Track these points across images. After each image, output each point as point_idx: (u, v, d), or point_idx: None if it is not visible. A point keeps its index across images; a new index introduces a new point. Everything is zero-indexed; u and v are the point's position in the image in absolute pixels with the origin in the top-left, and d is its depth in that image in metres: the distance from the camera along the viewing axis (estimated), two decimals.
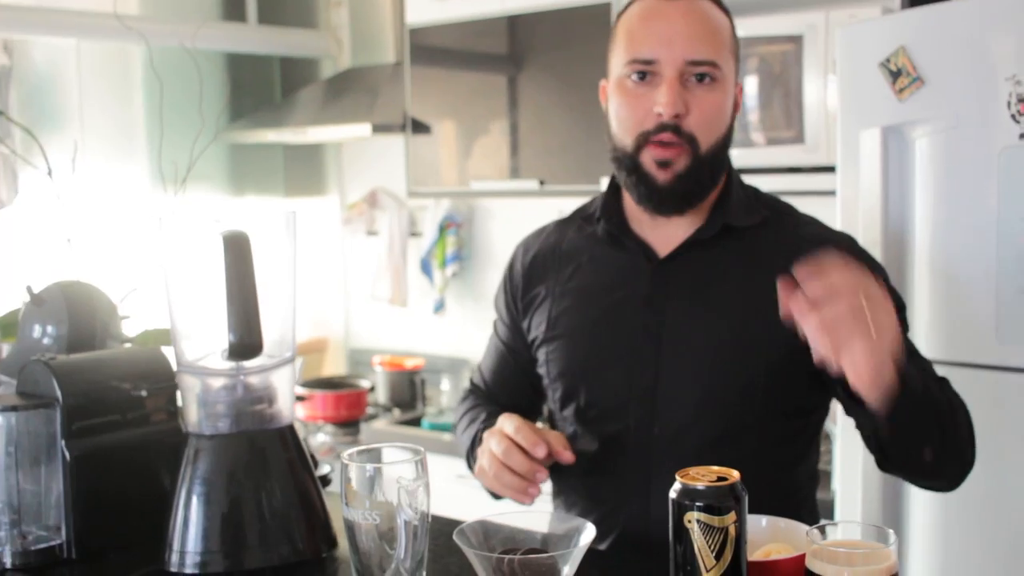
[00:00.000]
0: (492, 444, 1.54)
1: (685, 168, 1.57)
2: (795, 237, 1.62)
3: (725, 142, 1.62)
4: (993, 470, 2.00)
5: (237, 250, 1.33)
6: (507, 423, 1.54)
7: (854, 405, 1.38)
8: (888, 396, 1.30)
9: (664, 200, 1.60)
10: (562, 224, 1.80)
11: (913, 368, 1.38)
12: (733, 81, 1.61)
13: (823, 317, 1.22)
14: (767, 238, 1.63)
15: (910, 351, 1.55)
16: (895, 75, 2.07)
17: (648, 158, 1.58)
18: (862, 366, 1.24)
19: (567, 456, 1.52)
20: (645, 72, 1.57)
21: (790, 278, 1.24)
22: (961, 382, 1.48)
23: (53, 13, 3.52)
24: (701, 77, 1.56)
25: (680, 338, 1.60)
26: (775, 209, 1.67)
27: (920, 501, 2.15)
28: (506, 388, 1.81)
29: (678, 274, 1.63)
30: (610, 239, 1.69)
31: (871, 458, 2.14)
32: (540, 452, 1.50)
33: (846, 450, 2.27)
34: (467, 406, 1.85)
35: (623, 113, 1.60)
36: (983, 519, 2.08)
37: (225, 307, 1.33)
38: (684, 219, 1.63)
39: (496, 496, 1.67)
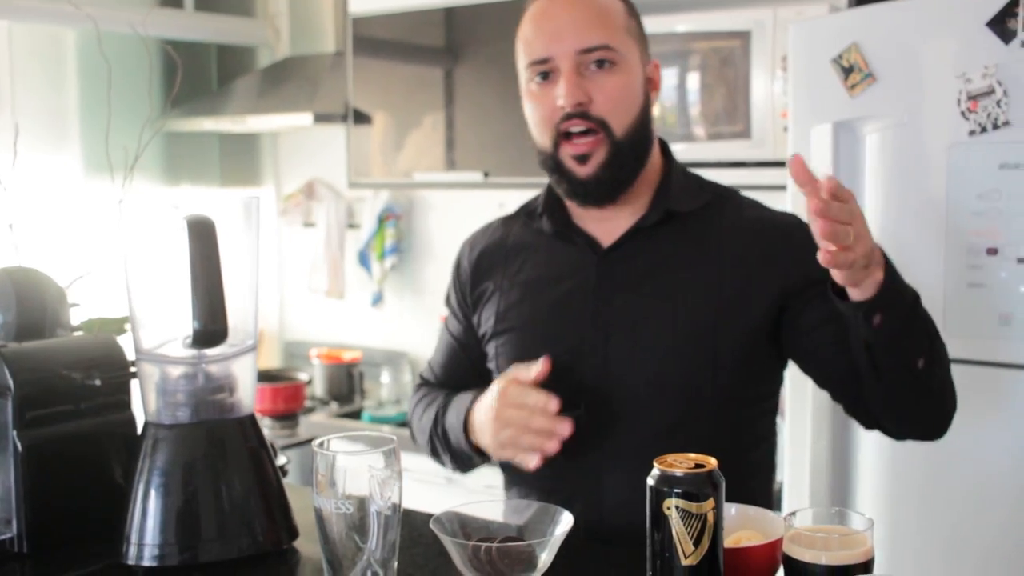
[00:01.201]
0: (510, 414, 1.53)
1: (605, 158, 1.59)
2: (739, 220, 1.65)
3: (642, 122, 1.63)
4: (939, 455, 2.05)
5: (202, 235, 1.30)
6: (514, 390, 1.54)
7: (850, 310, 1.42)
8: (882, 289, 1.37)
9: (589, 193, 1.62)
10: (507, 220, 1.82)
11: (902, 279, 1.44)
12: (638, 61, 1.63)
13: (832, 212, 1.28)
14: (711, 222, 1.65)
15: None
16: (847, 71, 2.10)
17: (566, 155, 1.61)
18: (859, 251, 1.30)
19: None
20: (546, 71, 1.60)
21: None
22: None
23: None
24: (600, 63, 1.58)
25: (627, 326, 1.61)
26: (718, 193, 1.70)
27: (868, 484, 2.19)
28: (458, 382, 1.81)
29: (623, 263, 1.64)
30: (556, 233, 1.70)
31: (819, 451, 2.18)
32: (553, 406, 1.50)
33: (794, 442, 2.30)
34: (420, 395, 1.86)
35: (534, 115, 1.64)
36: (928, 502, 2.12)
37: (189, 293, 1.31)
38: (626, 209, 1.65)
39: (462, 466, 1.73)
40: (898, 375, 1.47)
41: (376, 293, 4.04)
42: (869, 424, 1.60)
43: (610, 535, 1.57)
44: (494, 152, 3.35)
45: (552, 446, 1.51)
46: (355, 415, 3.73)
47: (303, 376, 3.81)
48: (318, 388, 3.91)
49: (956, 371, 2.02)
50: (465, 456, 1.70)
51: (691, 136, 2.79)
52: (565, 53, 1.57)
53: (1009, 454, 2.03)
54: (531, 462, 1.53)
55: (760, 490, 1.68)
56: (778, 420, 1.74)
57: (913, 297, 1.45)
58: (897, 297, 1.40)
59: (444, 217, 3.88)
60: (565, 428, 1.50)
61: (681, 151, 2.77)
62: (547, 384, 1.62)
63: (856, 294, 1.38)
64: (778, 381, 1.71)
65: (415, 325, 3.93)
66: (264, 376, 3.81)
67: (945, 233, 2.05)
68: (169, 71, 3.71)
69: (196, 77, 4.29)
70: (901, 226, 2.10)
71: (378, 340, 4.11)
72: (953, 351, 2.03)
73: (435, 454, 1.78)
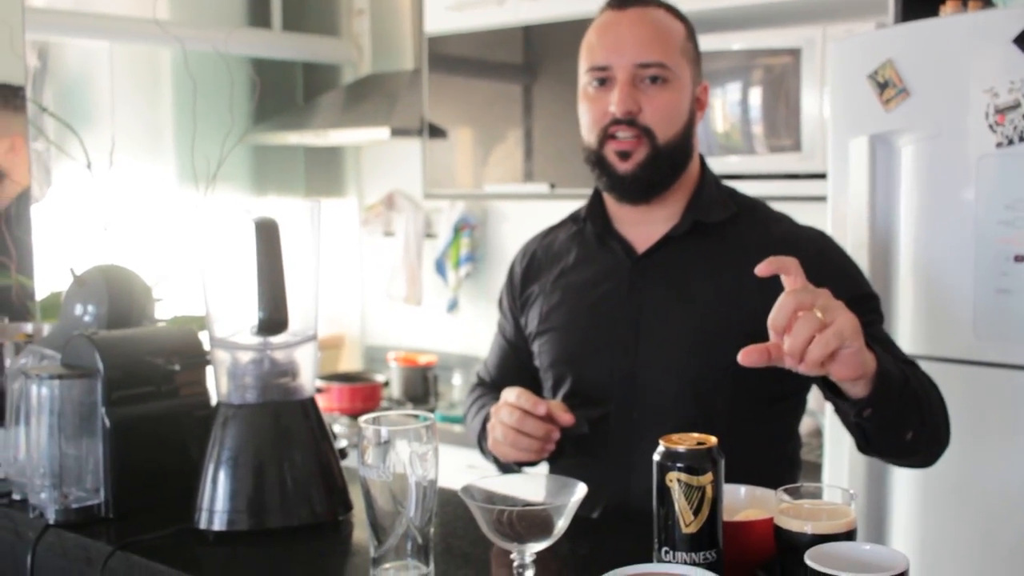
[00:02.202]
0: (503, 416, 1.65)
1: (644, 157, 1.71)
2: (764, 232, 1.75)
3: (685, 136, 1.74)
4: (970, 458, 2.12)
5: (267, 234, 1.45)
6: (509, 393, 1.67)
7: (837, 399, 1.45)
8: (870, 387, 1.38)
9: (627, 187, 1.74)
10: (555, 227, 1.95)
11: (889, 359, 1.46)
12: (689, 81, 1.74)
13: (792, 346, 1.26)
14: (737, 233, 1.75)
15: (884, 339, 1.66)
16: (882, 87, 2.19)
17: (610, 151, 1.73)
18: (845, 370, 1.30)
19: (566, 418, 1.64)
20: (603, 78, 1.72)
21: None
22: (940, 376, 1.57)
23: (92, 17, 3.67)
24: (654, 79, 1.70)
25: (657, 328, 1.72)
26: (746, 206, 1.79)
27: (903, 491, 2.26)
28: (509, 381, 1.91)
29: (655, 269, 1.76)
30: (596, 238, 1.82)
31: (858, 454, 2.24)
32: (541, 410, 1.62)
33: (834, 445, 2.38)
34: (475, 396, 1.99)
35: (586, 116, 1.76)
36: (960, 506, 2.18)
37: (256, 287, 1.46)
38: (661, 215, 1.76)
39: (506, 471, 1.79)
40: (887, 445, 1.56)
41: (451, 300, 4.19)
42: (860, 449, 1.64)
43: (636, 514, 1.68)
44: (564, 164, 3.48)
45: (547, 448, 1.64)
46: None
47: (380, 378, 3.98)
48: (395, 390, 4.06)
49: (986, 374, 2.10)
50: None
51: (752, 150, 2.89)
52: (623, 64, 1.70)
53: None
54: (542, 455, 1.66)
55: (780, 482, 1.77)
56: (822, 421, 1.79)
57: (901, 381, 1.45)
58: (887, 388, 1.39)
59: (517, 227, 4.01)
60: (556, 432, 1.62)
61: (738, 164, 2.88)
62: (583, 380, 1.75)
63: (849, 388, 1.38)
64: (799, 385, 1.75)
65: (487, 331, 4.01)
66: (343, 377, 4.00)
67: (975, 241, 2.12)
68: (260, 87, 3.92)
69: (283, 93, 4.49)
70: (933, 234, 2.18)
71: (452, 345, 4.26)
72: (982, 355, 2.11)
73: (484, 453, 1.90)
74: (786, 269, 1.29)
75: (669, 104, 1.71)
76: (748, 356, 1.27)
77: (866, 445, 1.58)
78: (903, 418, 1.49)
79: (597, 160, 1.75)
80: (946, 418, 1.61)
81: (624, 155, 1.71)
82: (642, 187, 1.74)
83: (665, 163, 1.72)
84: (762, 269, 1.28)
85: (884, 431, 1.49)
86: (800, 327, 1.24)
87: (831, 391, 1.43)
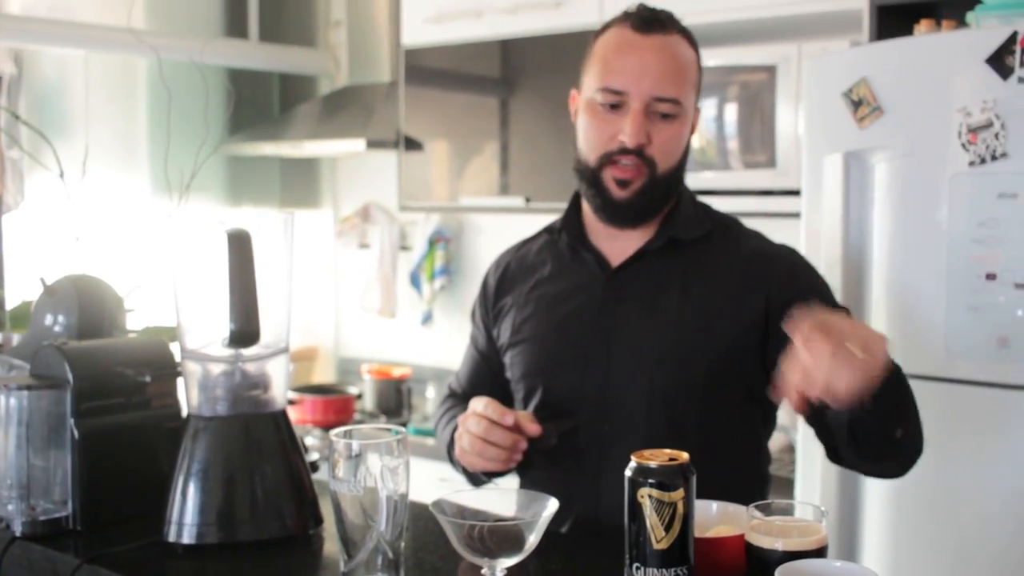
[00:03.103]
0: (470, 425, 1.66)
1: (641, 186, 1.71)
2: (736, 249, 1.76)
3: (680, 164, 1.75)
4: (942, 475, 2.13)
5: (239, 245, 1.45)
6: (476, 403, 1.67)
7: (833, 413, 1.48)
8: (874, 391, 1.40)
9: (619, 213, 1.74)
10: (530, 240, 1.94)
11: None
12: (692, 111, 1.75)
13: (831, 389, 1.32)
14: (710, 250, 1.76)
15: None
16: (856, 104, 2.21)
17: (608, 176, 1.72)
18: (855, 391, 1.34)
19: (533, 428, 1.64)
20: (617, 103, 1.70)
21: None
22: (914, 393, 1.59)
23: (66, 25, 3.66)
24: (665, 115, 1.69)
25: (628, 342, 1.73)
26: (720, 223, 1.80)
27: (875, 507, 2.27)
28: (481, 392, 1.91)
29: (628, 283, 1.76)
30: (570, 251, 1.82)
31: (831, 470, 2.25)
32: (508, 420, 1.63)
33: (806, 461, 2.38)
34: (445, 407, 1.99)
35: (590, 135, 1.73)
36: (933, 522, 2.20)
37: (228, 298, 1.45)
38: (636, 232, 1.76)
39: (475, 482, 1.79)
40: (876, 444, 1.56)
41: (426, 312, 4.19)
42: (831, 457, 1.67)
43: (604, 531, 1.68)
44: (540, 178, 3.48)
45: (514, 458, 1.65)
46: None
47: (353, 390, 3.97)
48: (368, 402, 4.05)
49: (959, 391, 2.12)
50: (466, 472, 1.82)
51: (727, 165, 2.90)
52: (641, 94, 1.68)
53: (1009, 467, 2.11)
54: (509, 465, 1.67)
55: (750, 498, 1.78)
56: (794, 437, 1.80)
57: (898, 371, 1.49)
58: (891, 378, 1.42)
59: (492, 240, 3.99)
60: (522, 443, 1.63)
61: (713, 179, 2.89)
62: (554, 392, 1.75)
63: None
64: (769, 400, 1.75)
65: (462, 343, 3.98)
66: (316, 389, 3.98)
67: (947, 259, 2.14)
68: (235, 98, 3.91)
69: (259, 103, 4.48)
70: (906, 251, 2.19)
71: (427, 357, 4.25)
72: (954, 372, 2.13)
73: (453, 463, 1.90)
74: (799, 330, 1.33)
75: (675, 138, 1.72)
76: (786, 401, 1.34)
77: (846, 447, 1.57)
78: (898, 411, 1.51)
79: (593, 181, 1.74)
80: (920, 426, 1.62)
81: (623, 183, 1.71)
82: (634, 214, 1.74)
83: (660, 192, 1.73)
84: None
85: (879, 425, 1.50)
86: (838, 372, 1.30)
87: (816, 421, 1.48)
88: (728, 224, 1.81)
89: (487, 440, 1.64)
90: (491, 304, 1.92)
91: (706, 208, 1.83)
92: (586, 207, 1.80)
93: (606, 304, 1.76)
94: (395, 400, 4.03)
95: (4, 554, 1.53)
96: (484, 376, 1.95)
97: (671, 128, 1.70)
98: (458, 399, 1.99)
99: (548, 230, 1.91)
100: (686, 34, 1.74)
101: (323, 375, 4.57)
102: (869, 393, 1.35)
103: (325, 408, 3.77)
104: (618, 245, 1.78)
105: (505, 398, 1.87)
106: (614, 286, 1.76)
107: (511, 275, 1.91)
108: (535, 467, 1.74)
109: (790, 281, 1.70)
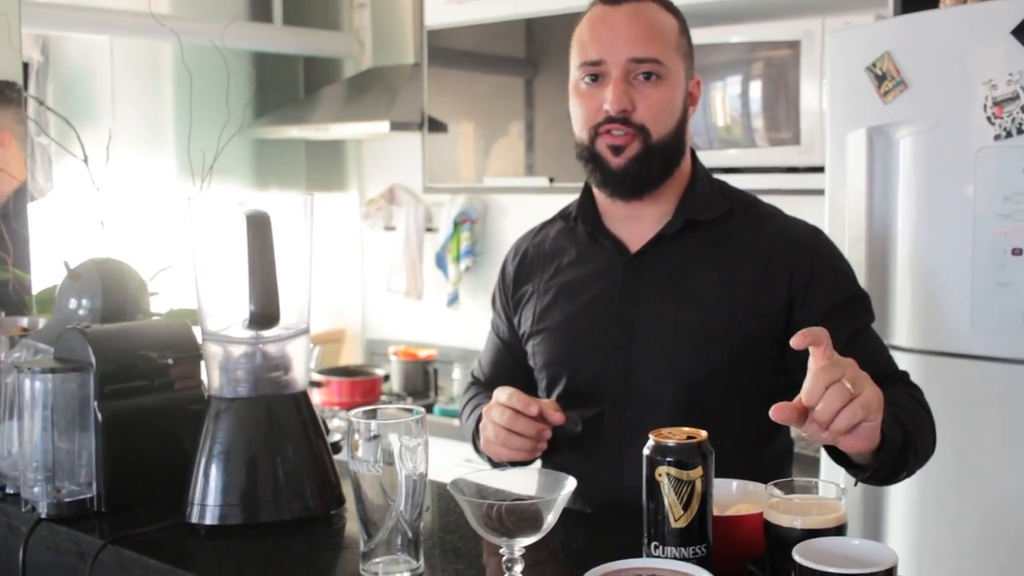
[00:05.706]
0: (494, 415, 1.65)
1: (637, 152, 1.69)
2: (757, 229, 1.74)
3: (678, 132, 1.73)
4: (967, 453, 2.12)
5: (258, 227, 1.45)
6: (500, 394, 1.66)
7: (839, 461, 1.50)
8: (871, 458, 1.42)
9: (620, 182, 1.72)
10: (546, 224, 1.93)
11: (889, 414, 1.42)
12: (682, 77, 1.73)
13: (822, 415, 1.28)
14: (730, 230, 1.74)
15: (876, 346, 1.68)
16: (880, 79, 2.18)
17: (602, 145, 1.71)
18: (859, 443, 1.33)
19: (557, 417, 1.64)
20: (596, 74, 1.70)
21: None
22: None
23: (91, 11, 3.68)
24: (648, 76, 1.68)
25: (650, 327, 1.72)
26: (738, 201, 1.78)
27: (900, 487, 2.24)
28: (503, 380, 1.90)
29: (648, 268, 1.75)
30: (588, 237, 1.81)
31: None
32: (532, 410, 1.62)
33: None
34: (469, 396, 1.99)
35: (578, 112, 1.75)
36: (958, 501, 2.18)
37: (247, 280, 1.45)
38: (653, 215, 1.75)
39: (498, 465, 1.79)
40: (879, 482, 1.58)
41: (452, 294, 4.19)
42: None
43: (627, 512, 1.68)
44: (563, 158, 3.47)
45: (539, 447, 1.65)
46: (427, 409, 3.88)
47: (379, 372, 3.98)
48: (395, 384, 4.07)
49: (984, 367, 2.10)
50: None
51: (753, 143, 2.88)
52: (617, 60, 1.68)
53: None
54: (534, 454, 1.66)
55: (774, 477, 1.77)
56: None
57: (901, 440, 1.47)
58: (888, 454, 1.43)
59: (517, 221, 3.99)
60: (547, 432, 1.63)
61: (738, 156, 2.87)
62: (577, 380, 1.75)
63: (854, 456, 1.44)
64: (792, 383, 1.73)
65: (487, 325, 4.05)
66: (343, 371, 4.00)
67: (973, 234, 2.11)
68: (260, 82, 3.92)
69: (284, 87, 4.49)
70: (931, 227, 2.17)
71: (453, 339, 4.26)
72: (979, 349, 2.11)
73: (478, 453, 1.89)
74: (817, 341, 1.30)
75: (663, 101, 1.70)
76: (780, 412, 1.28)
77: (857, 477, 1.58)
78: (899, 467, 1.51)
79: (590, 156, 1.73)
80: (933, 434, 1.62)
81: (617, 149, 1.70)
82: (635, 182, 1.72)
83: (658, 160, 1.71)
84: (796, 342, 1.29)
85: (880, 482, 1.55)
86: (831, 397, 1.26)
87: (833, 453, 1.47)
88: (747, 202, 1.79)
89: (512, 430, 1.63)
90: (511, 292, 1.92)
91: (723, 185, 1.81)
92: (598, 193, 1.79)
93: (627, 290, 1.75)
94: (422, 381, 4.05)
95: (30, 535, 1.54)
96: (506, 363, 1.94)
97: (657, 92, 1.69)
98: (481, 387, 1.98)
99: (563, 215, 1.90)
100: (662, 2, 1.73)
101: (350, 357, 4.59)
102: (869, 451, 1.37)
103: (352, 390, 3.79)
104: (636, 229, 1.77)
105: (528, 385, 1.86)
106: (634, 271, 1.75)
107: (529, 262, 1.90)
108: (558, 452, 1.73)
109: (814, 263, 1.69)
